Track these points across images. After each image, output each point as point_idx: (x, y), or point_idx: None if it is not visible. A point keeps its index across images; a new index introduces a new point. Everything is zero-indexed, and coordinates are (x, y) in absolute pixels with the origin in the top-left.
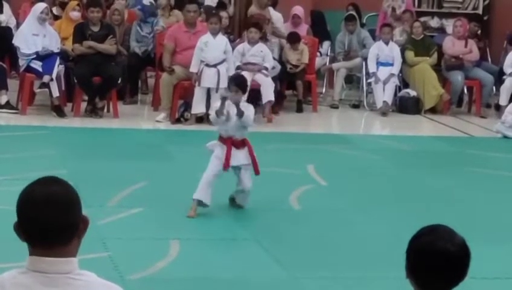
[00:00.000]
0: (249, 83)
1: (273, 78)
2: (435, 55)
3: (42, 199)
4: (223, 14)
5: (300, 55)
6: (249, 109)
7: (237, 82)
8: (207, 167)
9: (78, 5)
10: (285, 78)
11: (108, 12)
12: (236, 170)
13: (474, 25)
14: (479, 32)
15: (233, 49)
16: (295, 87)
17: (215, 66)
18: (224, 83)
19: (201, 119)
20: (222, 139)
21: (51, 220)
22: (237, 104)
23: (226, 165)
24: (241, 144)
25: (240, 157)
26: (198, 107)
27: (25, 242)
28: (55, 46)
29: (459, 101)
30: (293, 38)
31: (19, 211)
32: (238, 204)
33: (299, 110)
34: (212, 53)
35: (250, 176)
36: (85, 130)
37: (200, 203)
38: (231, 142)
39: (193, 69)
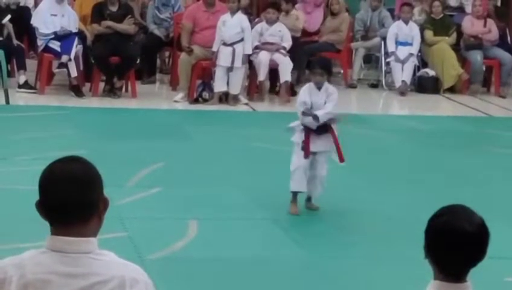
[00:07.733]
0: (267, 63)
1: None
2: (454, 35)
3: (61, 175)
4: None
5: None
6: (334, 94)
7: (322, 65)
8: (292, 158)
9: None
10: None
11: None
12: (312, 155)
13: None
14: None
15: (252, 29)
16: None
17: (231, 45)
18: (239, 62)
19: (221, 99)
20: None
21: (69, 197)
22: (320, 87)
23: (307, 153)
24: (324, 129)
25: (318, 143)
26: (220, 85)
27: (46, 220)
28: (73, 26)
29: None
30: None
31: (40, 188)
32: (314, 206)
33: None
34: (229, 32)
35: (325, 162)
36: (103, 110)
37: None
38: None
39: (214, 48)
